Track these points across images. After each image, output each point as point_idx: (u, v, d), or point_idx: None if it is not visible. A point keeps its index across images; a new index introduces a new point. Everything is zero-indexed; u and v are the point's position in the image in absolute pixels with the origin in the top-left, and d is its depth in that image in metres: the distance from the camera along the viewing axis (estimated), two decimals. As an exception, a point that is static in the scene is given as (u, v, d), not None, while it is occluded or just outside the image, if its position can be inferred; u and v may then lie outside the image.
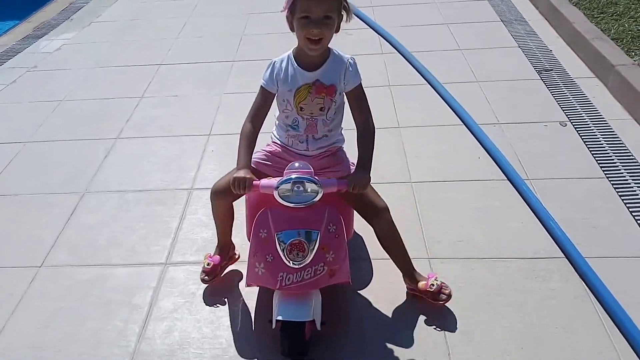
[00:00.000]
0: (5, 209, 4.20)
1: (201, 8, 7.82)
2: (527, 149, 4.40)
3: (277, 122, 3.08)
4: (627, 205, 3.79)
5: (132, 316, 3.27)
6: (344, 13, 2.70)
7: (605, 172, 4.12)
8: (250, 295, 3.23)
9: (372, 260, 3.41)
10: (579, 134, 4.57)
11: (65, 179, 4.47)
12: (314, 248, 2.67)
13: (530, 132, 4.63)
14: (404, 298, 3.18)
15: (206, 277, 3.30)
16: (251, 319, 3.12)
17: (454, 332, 3.02)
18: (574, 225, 3.62)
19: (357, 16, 6.59)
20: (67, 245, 3.81)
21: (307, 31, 2.63)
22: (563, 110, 4.90)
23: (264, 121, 2.91)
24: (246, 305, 3.20)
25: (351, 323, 3.03)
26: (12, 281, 3.55)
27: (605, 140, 4.47)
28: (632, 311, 2.99)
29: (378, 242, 3.06)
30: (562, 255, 3.45)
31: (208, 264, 3.30)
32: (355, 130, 2.88)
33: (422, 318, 3.08)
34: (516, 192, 3.98)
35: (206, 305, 3.29)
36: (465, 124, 4.79)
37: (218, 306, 3.30)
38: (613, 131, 4.56)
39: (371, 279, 3.31)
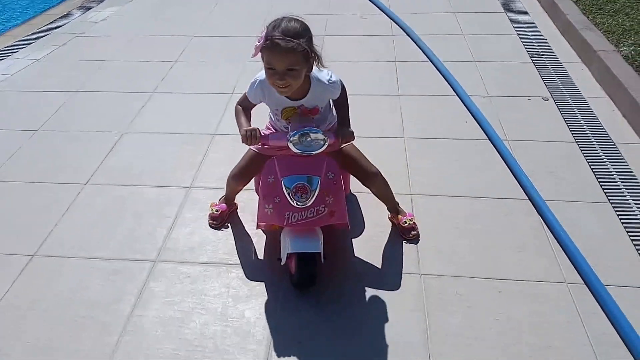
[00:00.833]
0: (60, 140, 4.89)
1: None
2: (509, 117, 4.91)
3: (270, 113, 3.28)
4: (590, 163, 4.31)
5: (161, 223, 3.86)
6: (313, 58, 2.78)
7: (575, 137, 4.61)
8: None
9: (362, 212, 3.81)
10: (557, 107, 5.04)
11: (108, 122, 5.13)
12: (315, 191, 2.91)
13: (514, 104, 5.13)
14: (386, 238, 3.63)
15: (214, 222, 3.65)
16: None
17: (426, 248, 3.58)
18: (540, 176, 4.14)
19: (372, 2, 7.18)
20: (107, 170, 4.45)
21: (273, 80, 2.74)
22: (547, 88, 5.37)
23: (251, 110, 3.21)
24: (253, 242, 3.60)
25: (347, 258, 3.44)
26: (62, 194, 4.20)
27: (580, 113, 4.96)
28: (579, 241, 3.55)
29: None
30: (527, 197, 3.98)
31: (216, 211, 3.63)
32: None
33: (402, 246, 3.62)
34: (494, 150, 4.51)
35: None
36: (457, 95, 5.31)
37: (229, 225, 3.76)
38: (588, 106, 5.04)
39: (363, 228, 3.69)
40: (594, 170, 4.21)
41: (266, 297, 3.23)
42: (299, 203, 2.90)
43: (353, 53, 6.23)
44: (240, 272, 3.44)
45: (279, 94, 2.86)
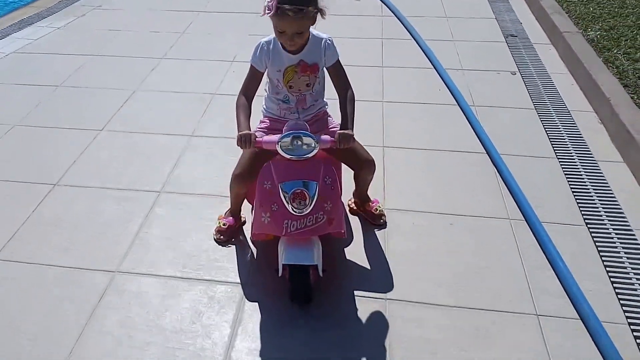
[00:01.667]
0: (79, 95, 5.51)
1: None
2: (478, 88, 5.42)
3: (267, 96, 3.24)
4: (545, 125, 4.81)
5: (166, 163, 4.39)
6: (318, 16, 2.85)
7: (535, 105, 5.10)
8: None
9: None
10: (523, 80, 5.53)
11: (121, 81, 5.72)
12: (314, 197, 2.78)
13: (485, 77, 5.63)
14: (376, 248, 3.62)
15: (222, 237, 3.51)
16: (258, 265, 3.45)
17: (391, 189, 4.11)
18: (499, 135, 4.64)
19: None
20: (121, 119, 5.02)
21: (283, 41, 2.88)
22: (517, 64, 5.86)
23: (255, 95, 3.13)
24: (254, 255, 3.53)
25: (344, 271, 3.35)
26: (80, 137, 4.77)
27: (542, 85, 5.45)
28: (525, 187, 4.05)
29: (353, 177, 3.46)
30: (484, 151, 4.47)
31: (224, 224, 3.53)
32: (338, 98, 3.12)
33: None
34: (462, 113, 5.02)
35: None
36: (434, 67, 5.84)
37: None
38: (551, 80, 5.53)
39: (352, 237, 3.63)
40: (547, 131, 4.69)
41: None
42: (297, 210, 2.79)
43: (344, 31, 6.73)
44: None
45: (288, 48, 2.94)
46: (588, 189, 4.03)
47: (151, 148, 4.55)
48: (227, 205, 3.68)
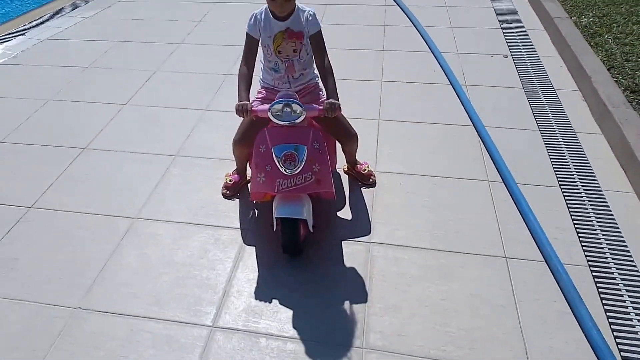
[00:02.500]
0: (105, 74, 6.04)
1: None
2: (471, 69, 5.81)
3: (262, 66, 3.55)
4: (530, 102, 5.19)
5: (181, 131, 4.87)
6: None
7: (523, 84, 5.47)
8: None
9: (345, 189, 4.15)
10: (514, 63, 5.88)
11: (143, 63, 6.26)
12: (302, 159, 3.07)
13: (478, 60, 6.01)
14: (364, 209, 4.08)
15: (227, 192, 3.93)
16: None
17: (382, 154, 4.51)
18: (486, 110, 5.04)
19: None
20: (142, 95, 5.56)
21: (274, 7, 3.22)
22: (509, 48, 6.22)
23: (255, 64, 3.45)
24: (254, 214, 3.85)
25: (333, 225, 3.73)
26: (106, 110, 5.32)
27: (532, 66, 5.81)
28: (507, 154, 4.42)
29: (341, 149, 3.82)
30: (471, 124, 4.85)
31: (230, 180, 3.92)
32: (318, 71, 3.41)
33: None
34: (453, 91, 5.42)
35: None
36: (431, 51, 6.25)
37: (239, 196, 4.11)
38: (540, 62, 5.88)
39: (345, 201, 3.96)
40: (532, 107, 5.06)
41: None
42: (287, 170, 3.08)
43: (350, 18, 7.19)
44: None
45: (277, 13, 3.26)
46: (565, 156, 4.37)
47: (169, 119, 5.00)
48: (233, 166, 4.11)
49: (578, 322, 3.01)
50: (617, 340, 2.91)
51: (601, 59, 5.37)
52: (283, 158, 3.09)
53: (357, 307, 3.12)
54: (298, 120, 3.12)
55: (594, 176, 4.09)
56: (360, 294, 3.20)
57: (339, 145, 3.86)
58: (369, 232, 3.63)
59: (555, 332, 2.96)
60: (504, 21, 6.92)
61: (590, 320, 2.96)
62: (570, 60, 5.68)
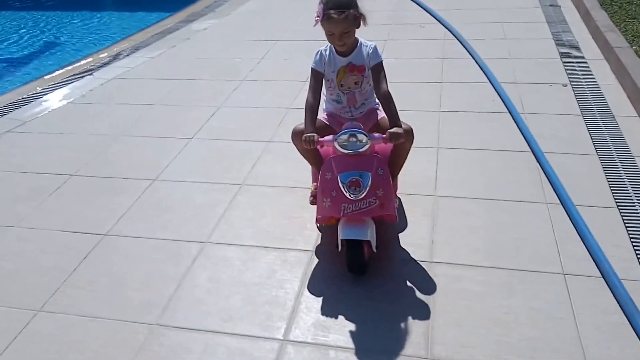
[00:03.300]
0: (172, 111, 6.45)
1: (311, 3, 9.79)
2: (530, 97, 6.12)
3: (325, 98, 3.77)
4: (589, 127, 5.42)
5: (247, 162, 5.22)
6: (360, 18, 3.43)
7: (582, 111, 5.69)
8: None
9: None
10: (574, 91, 6.15)
11: (208, 99, 6.69)
12: (367, 185, 3.27)
13: (537, 89, 6.26)
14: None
15: (314, 199, 3.92)
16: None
17: (442, 180, 4.76)
18: (544, 136, 5.29)
19: (429, 13, 8.41)
20: (208, 129, 5.96)
21: (333, 41, 3.46)
22: (569, 77, 6.48)
23: (320, 96, 3.64)
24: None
25: (395, 246, 3.92)
26: (174, 145, 5.73)
27: (591, 94, 6.04)
28: (565, 179, 4.64)
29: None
30: (529, 150, 5.08)
31: (315, 188, 3.86)
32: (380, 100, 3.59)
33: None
34: (512, 119, 5.69)
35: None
36: (489, 81, 6.56)
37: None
38: (600, 90, 6.12)
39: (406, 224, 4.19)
40: (591, 133, 5.23)
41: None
42: (352, 195, 3.27)
43: (409, 53, 7.52)
44: (305, 191, 4.56)
45: (338, 49, 3.53)
46: (622, 178, 4.52)
47: (234, 152, 5.32)
48: (298, 195, 4.50)
49: (635, 332, 3.17)
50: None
51: (661, 86, 5.39)
52: (348, 184, 3.28)
53: (420, 321, 3.32)
54: (362, 150, 3.35)
55: (653, 199, 4.12)
56: (423, 309, 3.40)
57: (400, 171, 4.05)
58: (430, 252, 3.84)
59: (613, 342, 3.10)
60: (563, 52, 7.09)
61: (648, 330, 3.03)
62: (630, 88, 5.82)
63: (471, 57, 7.12)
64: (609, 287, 3.48)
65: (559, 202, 4.27)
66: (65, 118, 6.31)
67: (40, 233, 4.31)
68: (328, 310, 3.46)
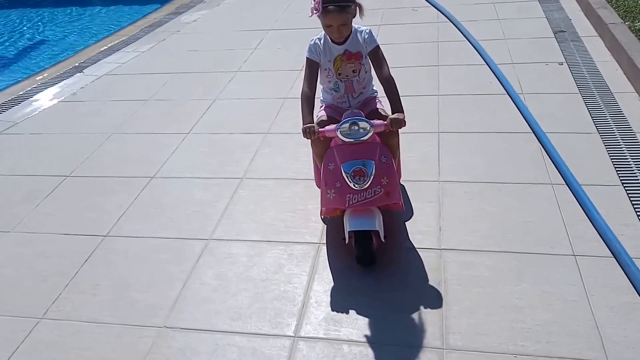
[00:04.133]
0: (166, 106, 6.37)
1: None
2: (527, 77, 6.06)
3: (322, 88, 3.77)
4: (588, 106, 5.37)
5: (246, 155, 5.14)
6: (356, 8, 3.39)
7: (580, 89, 5.64)
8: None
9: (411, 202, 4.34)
10: (570, 69, 6.06)
11: (203, 92, 6.57)
12: (371, 173, 3.21)
13: (533, 68, 6.21)
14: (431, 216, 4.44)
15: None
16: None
17: (445, 166, 4.67)
18: (545, 116, 5.22)
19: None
20: (204, 123, 5.87)
21: (330, 33, 3.43)
22: (564, 55, 6.42)
23: (316, 86, 3.62)
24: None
25: (404, 235, 3.86)
26: (171, 140, 5.62)
27: (587, 72, 5.98)
28: (567, 158, 4.59)
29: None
30: (530, 130, 5.03)
31: None
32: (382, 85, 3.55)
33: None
34: (510, 101, 5.62)
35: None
36: (486, 63, 6.51)
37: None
38: (596, 67, 6.05)
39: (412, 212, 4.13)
40: (590, 111, 5.17)
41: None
42: (357, 185, 3.21)
43: (403, 37, 7.43)
44: (306, 182, 4.56)
45: (334, 39, 3.49)
46: (626, 156, 4.48)
47: (232, 145, 5.23)
48: (300, 186, 4.50)
49: (651, 312, 3.03)
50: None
51: (657, 60, 5.34)
52: (352, 174, 3.23)
53: (433, 310, 3.27)
54: (365, 137, 3.27)
55: (657, 172, 4.08)
56: (435, 298, 3.34)
57: (402, 157, 4.06)
58: (439, 239, 3.79)
59: (629, 323, 3.06)
60: (557, 30, 7.03)
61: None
62: (626, 64, 5.77)
63: (466, 39, 7.07)
64: (620, 266, 3.43)
65: (564, 182, 4.23)
66: (57, 117, 6.25)
67: (38, 237, 4.25)
68: (338, 304, 3.40)
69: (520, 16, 7.70)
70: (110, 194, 4.71)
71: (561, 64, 6.17)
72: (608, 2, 7.20)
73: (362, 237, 3.39)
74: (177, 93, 6.54)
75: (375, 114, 3.65)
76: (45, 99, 6.75)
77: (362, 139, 3.27)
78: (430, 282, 3.47)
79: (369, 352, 3.05)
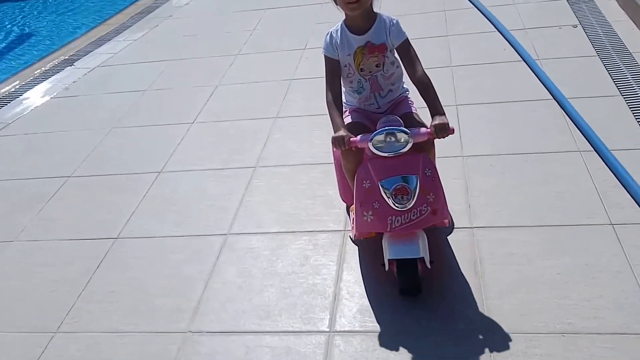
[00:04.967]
0: (167, 95, 6.32)
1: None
2: (542, 43, 6.00)
3: (344, 89, 3.34)
4: (607, 67, 5.34)
5: (257, 142, 5.06)
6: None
7: (597, 52, 5.60)
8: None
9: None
10: (585, 32, 6.01)
11: (204, 78, 6.50)
12: (415, 191, 2.85)
13: (547, 33, 6.16)
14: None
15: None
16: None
17: (468, 139, 4.62)
18: (564, 82, 5.16)
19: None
20: (209, 111, 5.82)
21: (345, 5, 2.94)
22: (577, 18, 6.35)
23: (340, 86, 3.27)
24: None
25: (451, 261, 3.45)
26: (175, 131, 5.52)
27: (603, 33, 5.95)
28: (593, 123, 4.54)
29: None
30: (551, 97, 4.98)
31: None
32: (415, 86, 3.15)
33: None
34: (527, 67, 5.56)
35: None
36: (498, 30, 6.44)
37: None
38: (611, 27, 6.01)
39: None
40: (610, 72, 5.11)
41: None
42: (399, 205, 2.86)
43: (408, 9, 7.30)
44: (323, 167, 4.49)
45: (349, 12, 3.01)
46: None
47: (240, 132, 5.16)
48: (317, 171, 4.43)
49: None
50: None
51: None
52: (393, 193, 2.88)
53: (472, 294, 3.21)
54: (404, 150, 2.90)
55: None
56: (473, 280, 3.28)
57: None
58: (470, 217, 3.75)
59: (678, 290, 2.94)
60: (568, -16, 6.80)
61: None
62: (642, 21, 5.55)
63: (473, 6, 7.00)
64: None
65: (591, 148, 4.20)
66: (51, 115, 6.12)
67: (44, 245, 4.14)
68: (372, 293, 3.33)
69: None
70: (117, 193, 4.62)
71: (575, 26, 6.11)
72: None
73: (406, 266, 3.04)
74: (176, 81, 6.45)
75: (409, 119, 3.24)
76: (36, 96, 6.64)
77: (400, 152, 2.90)
78: (465, 263, 3.41)
79: (408, 342, 3.01)
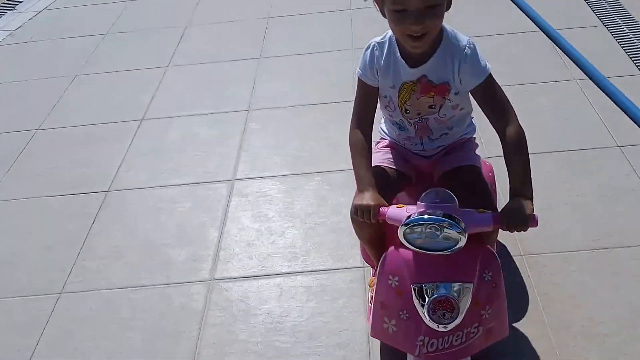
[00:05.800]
0: (133, 38, 6.23)
1: None
2: None
3: (383, 117, 2.52)
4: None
5: (243, 84, 5.09)
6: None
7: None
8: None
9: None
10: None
11: (168, 20, 6.45)
12: (465, 306, 2.01)
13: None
14: None
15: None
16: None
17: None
18: (543, 15, 5.42)
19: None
20: (183, 53, 5.78)
21: (404, 27, 2.00)
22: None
23: (373, 123, 2.38)
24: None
25: None
26: (149, 77, 5.41)
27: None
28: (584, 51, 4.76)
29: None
30: (539, 29, 5.25)
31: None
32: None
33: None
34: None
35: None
36: None
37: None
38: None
39: None
40: (588, 3, 5.47)
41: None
42: (440, 326, 2.02)
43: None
44: (323, 107, 4.62)
45: (410, 49, 2.14)
46: (636, 45, 4.75)
47: (224, 75, 5.18)
48: (316, 112, 4.54)
49: None
50: None
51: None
52: (432, 306, 2.01)
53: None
54: (453, 250, 1.99)
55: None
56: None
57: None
58: (481, 149, 3.76)
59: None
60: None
61: None
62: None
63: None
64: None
65: (586, 77, 4.46)
66: (1, 64, 5.86)
67: (26, 203, 4.01)
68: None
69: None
70: (97, 144, 4.51)
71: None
72: None
73: None
74: (139, 22, 6.32)
75: (470, 183, 2.38)
76: (-23, 47, 6.22)
77: (447, 252, 1.99)
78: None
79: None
